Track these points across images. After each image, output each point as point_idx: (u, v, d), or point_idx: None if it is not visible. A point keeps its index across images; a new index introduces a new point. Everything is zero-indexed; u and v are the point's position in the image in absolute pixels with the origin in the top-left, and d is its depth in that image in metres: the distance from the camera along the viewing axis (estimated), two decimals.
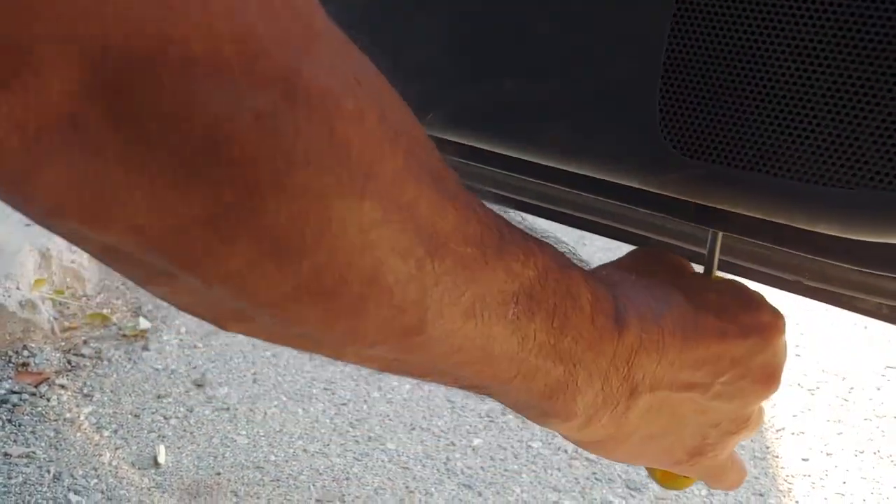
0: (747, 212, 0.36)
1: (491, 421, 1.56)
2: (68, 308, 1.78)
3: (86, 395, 1.53)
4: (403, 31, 0.44)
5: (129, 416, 1.49)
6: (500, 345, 0.29)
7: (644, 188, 0.38)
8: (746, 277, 0.47)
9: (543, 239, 0.32)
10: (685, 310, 0.37)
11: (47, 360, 1.59)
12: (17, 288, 1.64)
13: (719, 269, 0.43)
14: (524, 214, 0.51)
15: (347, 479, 1.39)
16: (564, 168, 0.41)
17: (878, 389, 1.75)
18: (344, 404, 1.57)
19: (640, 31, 0.35)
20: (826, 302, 0.47)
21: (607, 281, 0.36)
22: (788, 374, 1.66)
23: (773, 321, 0.39)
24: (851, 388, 1.75)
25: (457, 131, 0.44)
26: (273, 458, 1.42)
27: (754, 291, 0.40)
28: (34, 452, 1.37)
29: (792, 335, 1.83)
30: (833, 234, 0.33)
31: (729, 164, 0.34)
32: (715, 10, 0.33)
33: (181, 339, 1.74)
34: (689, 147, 0.35)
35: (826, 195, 0.32)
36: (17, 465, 1.34)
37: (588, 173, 0.40)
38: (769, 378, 0.39)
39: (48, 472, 1.34)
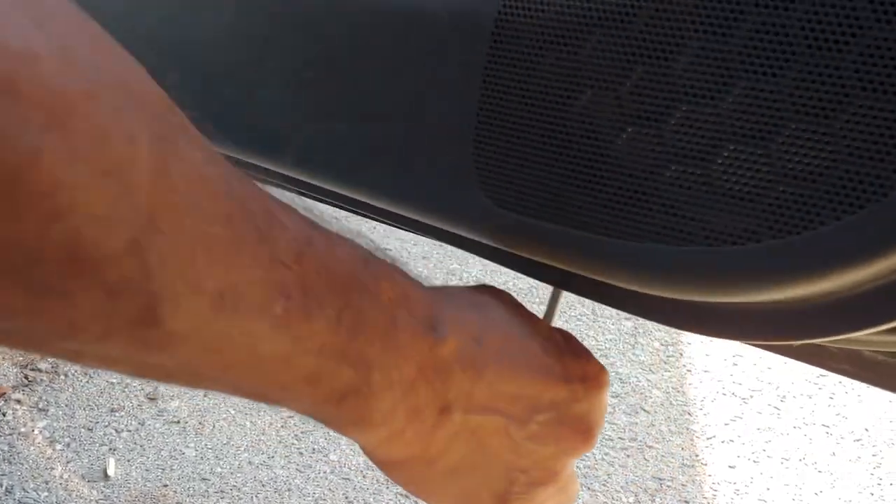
0: (553, 263, 0.39)
1: None
2: None
3: (41, 410, 1.59)
4: (254, 70, 0.48)
5: (83, 430, 1.55)
6: (268, 345, 0.26)
7: (460, 234, 0.42)
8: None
9: (343, 233, 0.30)
10: (513, 337, 0.36)
11: (4, 375, 1.65)
12: None
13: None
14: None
15: (289, 490, 1.45)
16: (387, 209, 0.46)
17: (810, 398, 1.82)
18: (290, 417, 1.62)
19: (455, 83, 0.38)
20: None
21: (436, 289, 0.34)
22: (724, 382, 1.72)
23: (598, 374, 0.38)
24: (783, 397, 1.82)
25: (297, 169, 0.48)
26: (219, 469, 1.48)
27: (583, 345, 0.39)
28: None
29: (731, 345, 1.90)
30: (633, 288, 0.35)
31: (533, 216, 0.36)
32: (518, 74, 0.36)
33: None
34: (499, 197, 0.37)
35: (625, 251, 0.34)
36: None
37: (409, 216, 0.44)
38: (586, 431, 0.38)
39: (0, 485, 1.39)
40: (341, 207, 0.50)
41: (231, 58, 0.50)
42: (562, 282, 0.41)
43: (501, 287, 0.39)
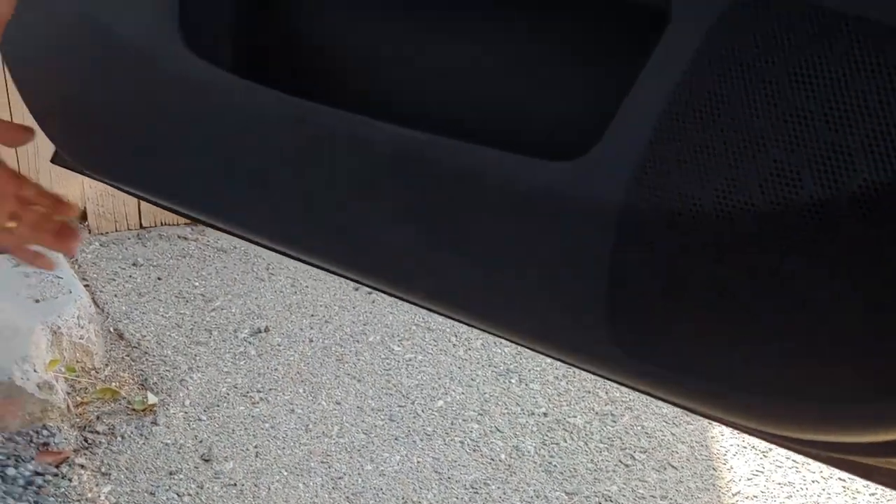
0: (675, 401, 0.47)
1: (475, 492, 1.71)
2: (79, 383, 1.90)
3: (104, 474, 1.67)
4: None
5: (146, 495, 1.63)
6: None
7: (579, 366, 0.51)
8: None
9: None
10: None
11: (65, 438, 1.72)
12: (34, 370, 1.76)
13: None
14: None
15: None
16: (517, 341, 0.54)
17: None
18: (340, 478, 1.71)
19: (585, 256, 0.44)
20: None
21: None
22: (742, 435, 1.82)
23: None
24: None
25: (429, 301, 0.56)
26: None
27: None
28: None
29: None
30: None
31: (665, 367, 0.42)
32: (645, 255, 0.41)
33: (186, 412, 1.88)
34: (630, 349, 0.43)
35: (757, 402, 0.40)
36: None
37: (536, 348, 0.51)
38: None
39: None
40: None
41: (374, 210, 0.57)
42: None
43: None
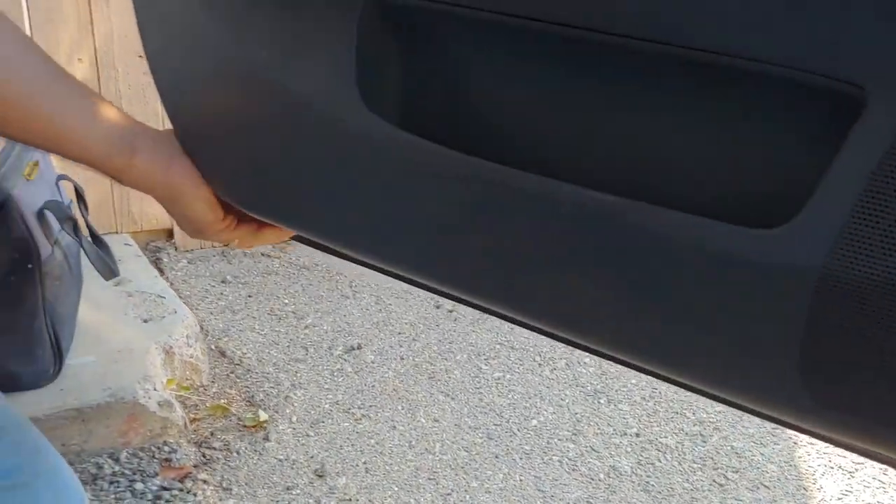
0: (867, 447, 0.53)
1: None
2: (190, 400, 1.99)
3: (225, 489, 1.75)
4: None
5: None
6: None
7: (762, 412, 0.57)
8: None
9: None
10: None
11: (185, 454, 1.81)
12: (154, 389, 1.85)
13: None
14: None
15: None
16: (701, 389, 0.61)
17: None
18: (448, 494, 1.79)
19: (778, 315, 0.49)
20: None
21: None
22: (829, 455, 1.89)
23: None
24: (885, 470, 1.98)
25: (591, 341, 0.63)
26: None
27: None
28: None
29: None
30: None
31: (860, 416, 0.47)
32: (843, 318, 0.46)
33: (294, 428, 1.96)
34: (823, 400, 0.49)
35: None
36: None
37: (720, 395, 0.58)
38: None
39: None
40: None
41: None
42: None
43: None
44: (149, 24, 0.88)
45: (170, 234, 2.76)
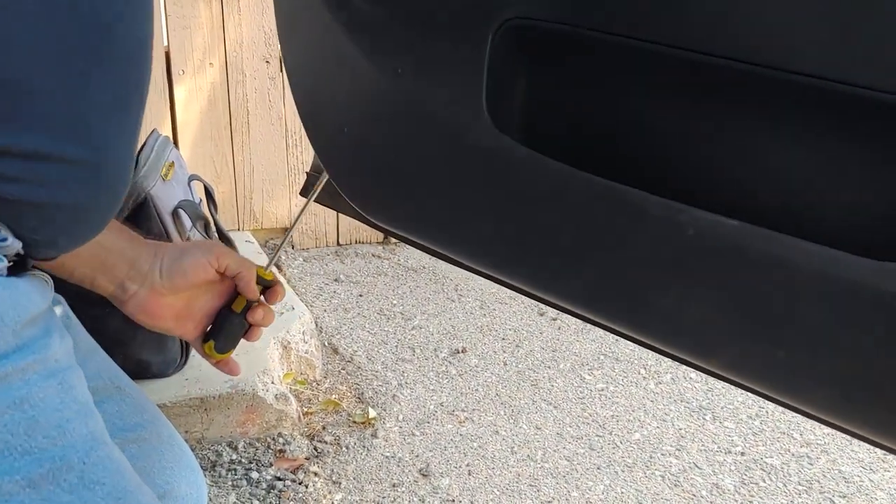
0: None
1: None
2: (304, 394, 2.08)
3: (334, 482, 1.83)
4: None
5: None
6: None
7: None
8: None
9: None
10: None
11: (298, 447, 1.90)
12: (272, 382, 1.95)
13: None
14: None
15: None
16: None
17: None
18: (549, 502, 1.82)
19: None
20: None
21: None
22: None
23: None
24: None
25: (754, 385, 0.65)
26: None
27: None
28: None
29: None
30: None
31: None
32: None
33: (400, 427, 2.03)
34: None
35: None
36: None
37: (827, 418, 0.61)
38: None
39: None
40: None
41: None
42: None
43: None
44: (289, 40, 0.93)
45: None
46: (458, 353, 2.35)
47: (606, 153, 0.74)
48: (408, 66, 0.79)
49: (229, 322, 0.94)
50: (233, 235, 2.21)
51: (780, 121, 0.64)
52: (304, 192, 1.14)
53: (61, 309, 0.84)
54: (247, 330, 0.96)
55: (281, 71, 2.68)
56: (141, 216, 1.80)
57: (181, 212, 1.89)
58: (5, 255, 0.60)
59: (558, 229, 0.71)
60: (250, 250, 2.63)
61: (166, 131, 2.58)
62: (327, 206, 1.19)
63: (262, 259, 2.56)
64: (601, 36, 0.66)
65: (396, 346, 2.36)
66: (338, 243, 2.93)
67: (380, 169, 0.87)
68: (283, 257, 2.82)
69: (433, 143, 0.80)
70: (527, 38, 0.72)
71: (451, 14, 0.75)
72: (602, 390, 2.22)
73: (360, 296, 2.63)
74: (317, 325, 2.40)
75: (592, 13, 0.66)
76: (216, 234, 1.95)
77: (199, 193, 2.04)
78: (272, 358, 2.02)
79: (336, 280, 2.71)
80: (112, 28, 0.58)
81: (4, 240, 0.60)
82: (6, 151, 0.55)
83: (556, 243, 0.72)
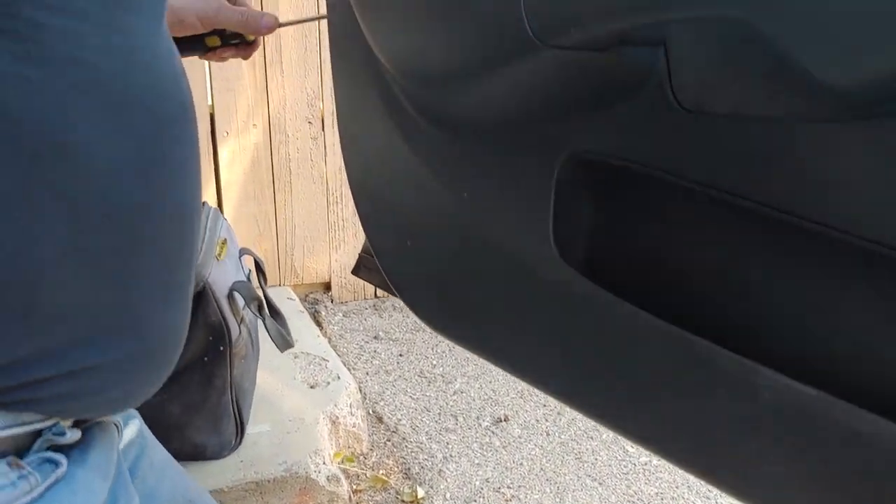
0: None
1: None
2: (352, 471, 2.11)
3: None
4: None
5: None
6: None
7: None
8: None
9: None
10: None
11: None
12: (324, 463, 1.97)
13: None
14: None
15: None
16: None
17: None
18: None
19: None
20: None
21: None
22: None
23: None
24: None
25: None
26: None
27: None
28: None
29: None
30: None
31: None
32: None
33: None
34: None
35: None
36: None
37: None
38: None
39: None
40: None
41: None
42: None
43: None
44: (353, 155, 0.94)
45: (327, 286, 2.90)
46: (501, 421, 2.37)
47: (674, 291, 0.73)
48: (476, 191, 0.80)
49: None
50: (273, 291, 2.23)
51: (854, 281, 0.62)
52: (356, 271, 1.14)
53: (136, 427, 0.79)
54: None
55: (322, 130, 2.70)
56: (199, 304, 1.82)
57: (236, 294, 1.92)
58: (64, 444, 0.58)
59: (625, 368, 0.71)
60: (292, 308, 2.65)
61: (211, 191, 2.60)
62: (380, 287, 1.18)
63: (303, 317, 2.59)
64: (673, 180, 0.65)
65: (440, 414, 2.38)
66: (375, 295, 2.95)
67: (444, 287, 0.88)
68: (324, 313, 2.84)
69: (499, 272, 0.80)
70: (592, 170, 0.72)
71: (519, 144, 0.75)
72: (645, 464, 2.24)
73: (401, 355, 2.65)
74: (360, 389, 2.42)
75: (663, 158, 0.65)
76: (267, 312, 1.97)
77: (248, 263, 2.06)
78: (322, 436, 2.04)
79: (376, 338, 2.74)
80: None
81: (62, 434, 0.57)
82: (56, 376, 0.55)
83: (623, 381, 0.72)
